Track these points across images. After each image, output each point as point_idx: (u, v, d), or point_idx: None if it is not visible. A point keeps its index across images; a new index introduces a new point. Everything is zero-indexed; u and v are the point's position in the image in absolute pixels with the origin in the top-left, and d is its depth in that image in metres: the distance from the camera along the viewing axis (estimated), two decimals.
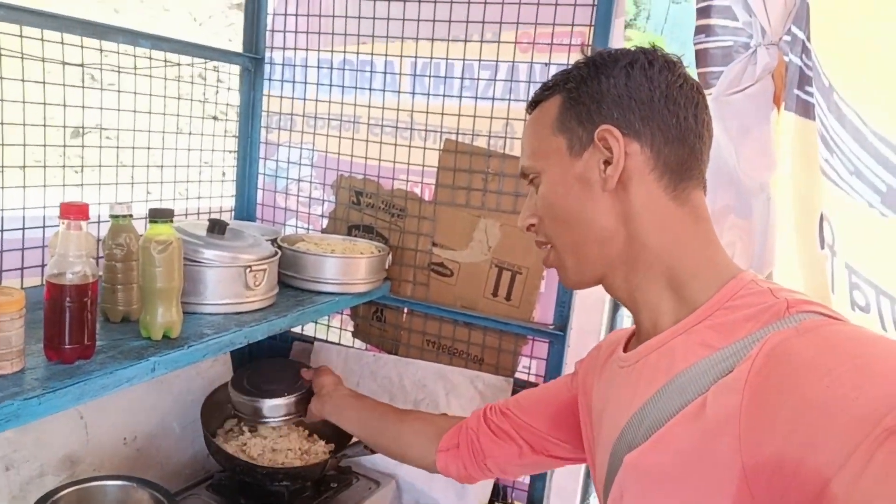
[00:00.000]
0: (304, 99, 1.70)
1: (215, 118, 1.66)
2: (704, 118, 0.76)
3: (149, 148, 1.45)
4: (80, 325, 0.89)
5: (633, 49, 0.77)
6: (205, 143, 1.62)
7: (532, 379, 1.55)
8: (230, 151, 1.74)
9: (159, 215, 1.01)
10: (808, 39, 1.49)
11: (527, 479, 1.57)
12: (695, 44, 1.60)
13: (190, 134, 1.56)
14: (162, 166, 1.50)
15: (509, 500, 1.58)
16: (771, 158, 1.54)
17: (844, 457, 0.51)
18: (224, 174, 1.72)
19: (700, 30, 1.47)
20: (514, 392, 1.54)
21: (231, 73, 1.69)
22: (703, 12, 1.45)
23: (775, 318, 0.63)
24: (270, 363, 1.52)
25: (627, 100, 0.74)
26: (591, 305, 1.53)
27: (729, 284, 0.70)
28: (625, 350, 0.81)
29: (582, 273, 0.80)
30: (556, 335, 1.48)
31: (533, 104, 0.84)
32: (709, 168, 0.79)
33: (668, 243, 0.74)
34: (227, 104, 1.70)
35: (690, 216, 0.75)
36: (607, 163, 0.74)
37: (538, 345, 1.54)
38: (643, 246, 0.75)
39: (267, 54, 1.72)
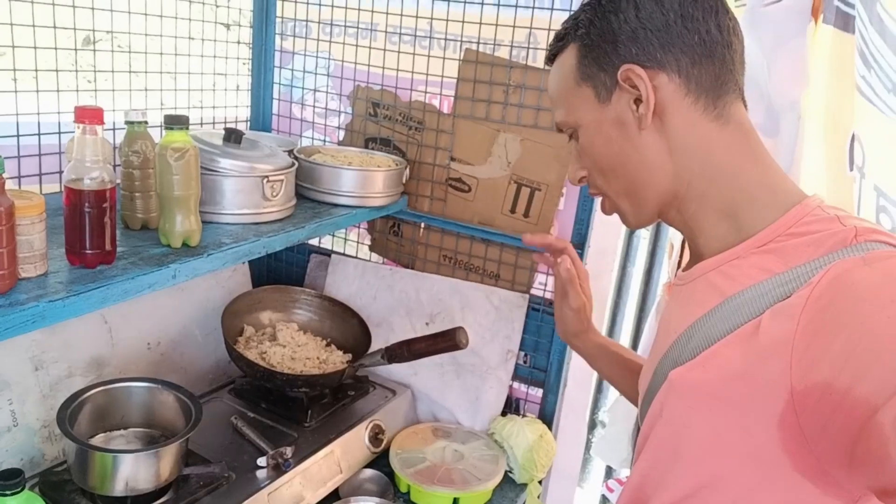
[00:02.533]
0: (320, 4, 1.63)
1: (227, 26, 1.61)
2: (728, 24, 0.72)
3: (161, 54, 1.42)
4: (101, 230, 0.89)
5: None
6: (218, 50, 1.58)
7: (548, 295, 1.56)
8: (244, 60, 1.69)
9: (175, 122, 1.00)
10: None
11: (539, 392, 1.61)
12: None
13: (203, 40, 1.51)
14: (175, 73, 1.46)
15: (522, 412, 1.62)
16: (804, 74, 1.48)
17: (894, 387, 0.51)
18: (238, 85, 1.69)
19: None
20: (530, 309, 1.56)
21: None
22: None
23: (840, 246, 0.61)
24: None
25: (642, 31, 0.70)
26: (610, 224, 1.52)
27: (793, 210, 0.68)
28: (684, 269, 0.80)
29: (641, 215, 0.79)
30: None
31: (550, 58, 0.81)
32: None
33: (719, 168, 0.72)
34: (240, 10, 1.65)
35: (736, 135, 0.72)
36: (638, 101, 0.71)
37: None
38: (694, 175, 0.73)
39: None
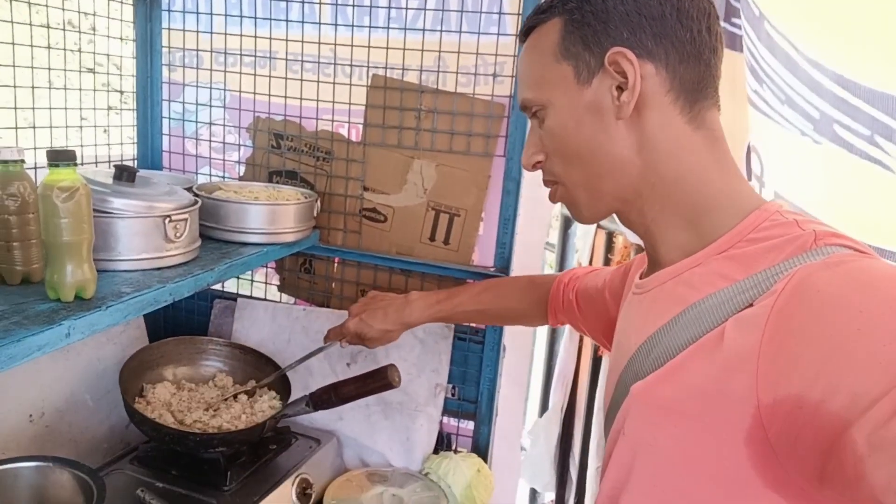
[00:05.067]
0: (212, 32, 1.53)
1: (92, 70, 1.45)
2: (717, 30, 0.70)
3: (33, 87, 1.26)
4: None
5: None
6: (99, 83, 1.44)
7: (473, 324, 1.51)
8: (122, 92, 1.55)
9: (61, 158, 0.87)
10: None
11: (470, 425, 1.55)
12: None
13: (80, 71, 1.37)
14: (50, 108, 1.31)
15: (454, 448, 1.55)
16: None
17: (869, 403, 0.49)
18: (121, 121, 1.54)
19: None
20: (455, 339, 1.50)
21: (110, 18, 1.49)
22: None
23: (801, 251, 0.60)
24: None
25: (637, 17, 0.67)
26: (531, 245, 1.50)
27: (751, 216, 0.67)
28: (641, 277, 0.78)
29: (596, 209, 0.75)
30: (498, 277, 1.44)
31: (526, 31, 0.76)
32: None
33: (686, 173, 0.70)
34: (108, 55, 1.51)
35: (707, 140, 0.70)
36: (620, 88, 0.68)
37: None
38: (660, 177, 0.70)
39: None
